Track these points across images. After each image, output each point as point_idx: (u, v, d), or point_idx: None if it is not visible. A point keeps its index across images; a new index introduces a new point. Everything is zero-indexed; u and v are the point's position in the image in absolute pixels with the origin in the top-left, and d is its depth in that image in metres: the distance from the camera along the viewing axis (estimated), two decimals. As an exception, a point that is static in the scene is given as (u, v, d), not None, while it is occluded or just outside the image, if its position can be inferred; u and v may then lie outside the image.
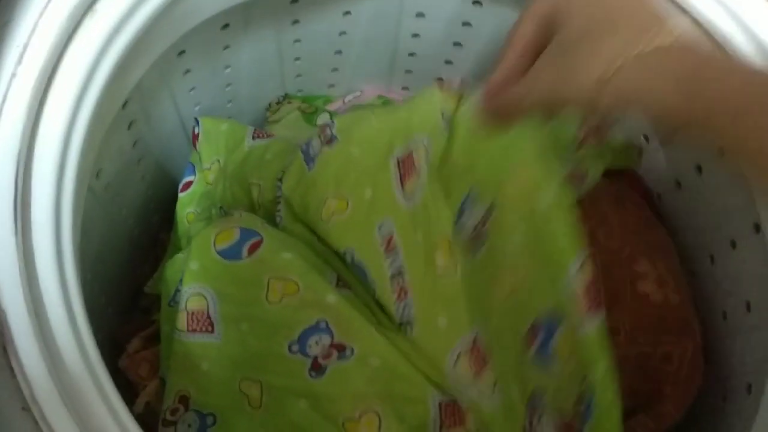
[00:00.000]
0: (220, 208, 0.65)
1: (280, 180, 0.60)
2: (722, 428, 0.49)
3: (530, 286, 0.47)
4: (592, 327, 0.43)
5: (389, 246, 0.54)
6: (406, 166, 0.55)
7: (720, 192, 0.52)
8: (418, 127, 0.55)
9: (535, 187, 0.47)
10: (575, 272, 0.44)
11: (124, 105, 0.53)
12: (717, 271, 0.54)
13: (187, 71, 0.60)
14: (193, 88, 0.63)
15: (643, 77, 0.36)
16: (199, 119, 0.66)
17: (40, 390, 0.32)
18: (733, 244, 0.51)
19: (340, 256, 0.56)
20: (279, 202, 0.59)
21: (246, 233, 0.54)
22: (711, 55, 0.36)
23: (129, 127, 0.57)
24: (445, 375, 0.51)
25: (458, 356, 0.51)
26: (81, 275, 0.40)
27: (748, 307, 0.49)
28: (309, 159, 0.58)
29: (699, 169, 0.54)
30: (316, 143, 0.59)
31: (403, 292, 0.53)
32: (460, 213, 0.53)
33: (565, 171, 0.49)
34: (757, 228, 0.46)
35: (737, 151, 0.36)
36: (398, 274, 0.53)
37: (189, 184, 0.68)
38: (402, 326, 0.52)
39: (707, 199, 0.53)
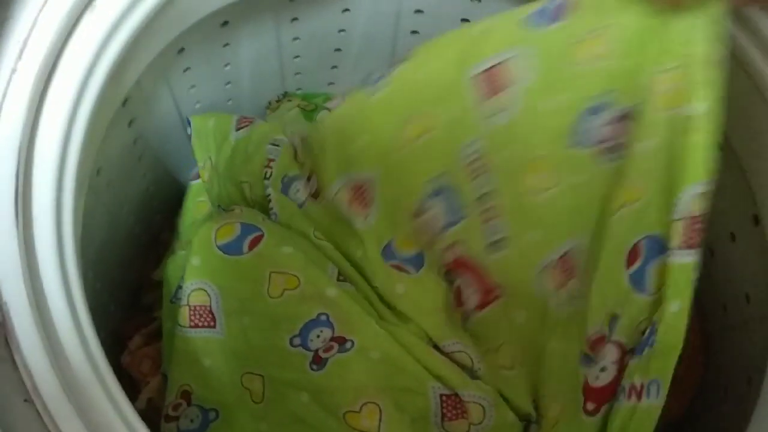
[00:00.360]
0: (218, 206, 0.65)
1: (267, 178, 0.60)
2: (723, 420, 0.49)
3: (648, 198, 0.45)
4: (683, 261, 0.42)
5: (475, 166, 0.52)
6: (491, 81, 0.49)
7: (719, 185, 0.52)
8: (499, 40, 0.49)
9: (688, 92, 0.42)
10: (691, 197, 0.42)
11: (125, 102, 0.54)
12: (717, 265, 0.54)
13: (187, 69, 0.60)
14: (193, 86, 0.63)
15: None
16: (190, 119, 0.66)
17: (41, 382, 0.32)
18: (733, 237, 0.51)
19: (420, 188, 0.54)
20: (270, 200, 0.59)
21: (246, 228, 0.55)
22: None
23: (129, 125, 0.57)
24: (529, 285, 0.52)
25: (543, 269, 0.52)
26: (83, 272, 0.40)
27: (748, 299, 0.49)
28: (371, 83, 0.54)
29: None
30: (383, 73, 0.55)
31: (490, 214, 0.52)
32: (586, 116, 0.47)
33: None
34: (756, 220, 0.47)
35: None
36: (486, 194, 0.52)
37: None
38: (490, 246, 0.52)
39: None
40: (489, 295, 0.55)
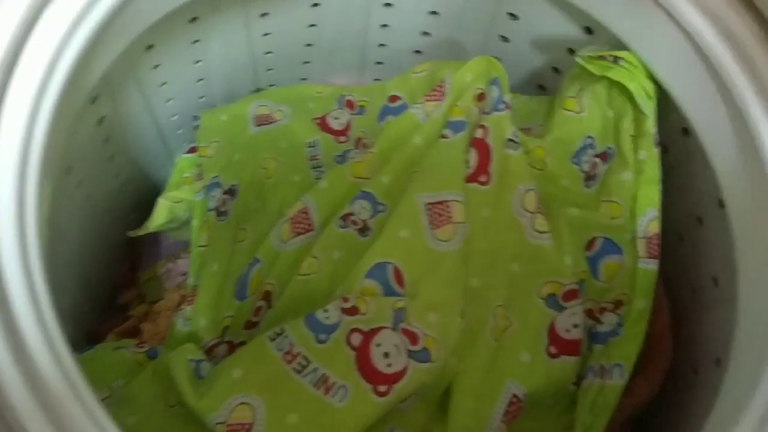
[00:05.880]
0: (215, 177, 0.64)
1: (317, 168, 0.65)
2: (693, 402, 0.49)
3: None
4: (650, 268, 0.53)
5: None
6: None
7: (685, 169, 0.53)
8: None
9: (639, 141, 0.54)
10: (648, 220, 0.53)
11: (94, 100, 0.53)
12: (686, 249, 0.54)
13: (157, 66, 0.60)
14: (163, 83, 0.63)
15: None
16: (200, 115, 0.68)
17: (3, 379, 0.32)
18: (700, 221, 0.52)
19: None
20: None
21: None
22: None
23: (99, 123, 0.57)
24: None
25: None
26: (55, 274, 0.39)
27: (716, 282, 0.49)
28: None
29: (665, 148, 0.55)
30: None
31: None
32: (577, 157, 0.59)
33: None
34: (721, 203, 0.47)
35: None
36: None
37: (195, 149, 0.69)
38: None
39: (673, 177, 0.54)
40: None
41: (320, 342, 0.48)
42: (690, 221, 0.53)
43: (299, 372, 0.46)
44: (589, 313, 0.54)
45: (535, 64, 0.66)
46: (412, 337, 0.48)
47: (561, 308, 0.53)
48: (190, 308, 0.57)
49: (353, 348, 0.47)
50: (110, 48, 0.47)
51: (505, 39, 0.64)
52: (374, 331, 0.48)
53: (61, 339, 0.36)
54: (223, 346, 0.55)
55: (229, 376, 0.46)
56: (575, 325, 0.52)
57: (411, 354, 0.47)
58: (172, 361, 0.48)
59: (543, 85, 0.67)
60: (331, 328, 0.48)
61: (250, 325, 0.55)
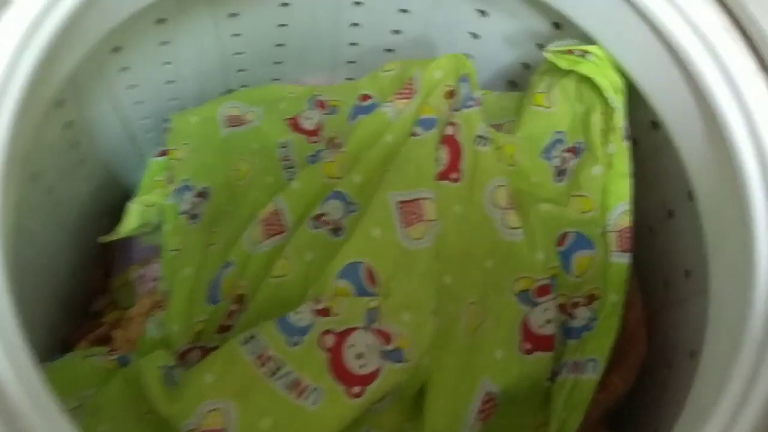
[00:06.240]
0: (185, 179, 0.64)
1: (290, 168, 0.65)
2: (668, 396, 0.49)
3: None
4: (622, 261, 0.53)
5: None
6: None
7: (654, 162, 0.53)
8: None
9: (608, 134, 0.55)
10: (619, 214, 0.54)
11: (60, 104, 0.53)
12: (657, 242, 0.55)
13: (125, 68, 0.59)
14: (132, 86, 0.62)
15: None
16: (170, 117, 0.67)
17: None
18: (670, 214, 0.52)
19: None
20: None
21: None
22: None
23: (67, 128, 0.56)
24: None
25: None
26: (26, 282, 0.39)
27: (687, 274, 0.50)
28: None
29: (634, 141, 0.55)
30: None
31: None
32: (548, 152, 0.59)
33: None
34: (691, 196, 0.47)
35: None
36: None
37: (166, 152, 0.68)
38: None
39: (643, 170, 0.54)
40: None
41: (292, 344, 0.47)
42: (661, 214, 0.54)
43: (272, 375, 0.46)
44: (562, 308, 0.54)
45: (505, 60, 0.66)
46: (386, 337, 0.48)
47: (534, 304, 0.53)
48: (162, 313, 0.56)
49: (326, 350, 0.47)
50: (73, 50, 0.46)
51: (475, 35, 0.64)
52: (347, 332, 0.47)
53: (23, 349, 0.35)
54: (196, 352, 0.54)
55: (201, 381, 0.46)
56: (548, 321, 0.52)
57: (384, 354, 0.47)
58: (142, 368, 0.48)
59: (513, 81, 0.68)
60: (303, 330, 0.48)
61: (224, 329, 0.54)
